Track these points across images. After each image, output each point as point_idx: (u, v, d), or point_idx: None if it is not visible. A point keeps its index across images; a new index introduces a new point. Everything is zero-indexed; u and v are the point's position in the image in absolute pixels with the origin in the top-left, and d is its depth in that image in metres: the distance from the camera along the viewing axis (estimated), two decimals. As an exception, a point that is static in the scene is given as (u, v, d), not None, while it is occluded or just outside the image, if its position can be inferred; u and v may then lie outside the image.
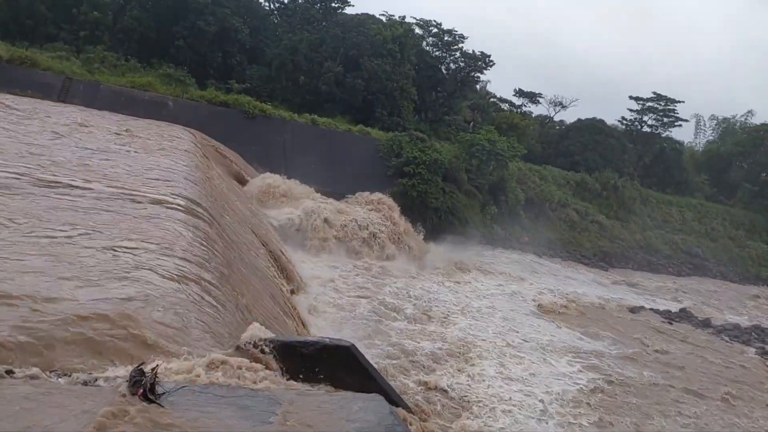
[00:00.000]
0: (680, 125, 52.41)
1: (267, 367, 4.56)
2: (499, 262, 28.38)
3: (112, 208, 8.62)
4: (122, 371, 3.70)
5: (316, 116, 31.50)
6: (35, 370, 3.43)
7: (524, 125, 42.13)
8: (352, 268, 20.52)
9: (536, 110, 53.77)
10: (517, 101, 51.74)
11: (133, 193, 9.99)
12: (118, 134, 17.83)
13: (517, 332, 17.34)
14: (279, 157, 27.87)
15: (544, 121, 53.94)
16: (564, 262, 32.94)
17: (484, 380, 13.01)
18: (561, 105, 53.51)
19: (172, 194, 10.70)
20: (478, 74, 44.41)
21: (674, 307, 25.49)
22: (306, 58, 36.28)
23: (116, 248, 6.59)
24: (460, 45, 42.41)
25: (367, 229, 24.07)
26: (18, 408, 2.99)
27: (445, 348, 14.35)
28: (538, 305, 21.26)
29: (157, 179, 11.96)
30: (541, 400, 12.47)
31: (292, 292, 13.83)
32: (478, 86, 48.06)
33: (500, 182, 33.55)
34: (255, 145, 27.45)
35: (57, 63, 28.10)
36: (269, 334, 5.08)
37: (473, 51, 42.37)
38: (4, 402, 3.02)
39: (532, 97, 51.94)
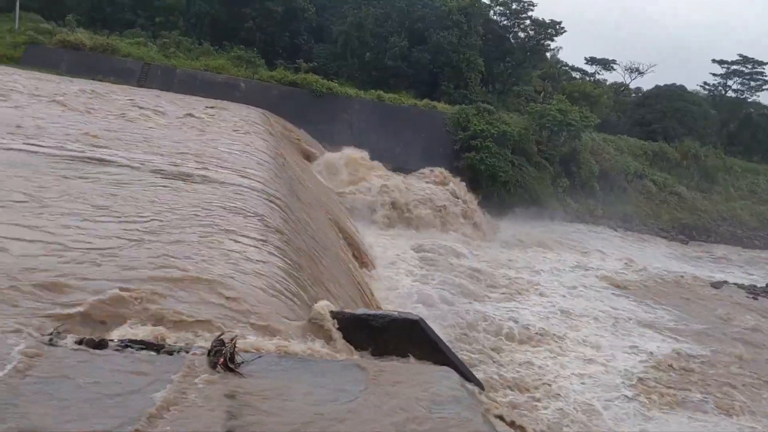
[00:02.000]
0: (769, 89, 48.84)
1: (336, 339, 4.71)
2: (571, 236, 27.68)
3: (196, 190, 9.02)
4: (198, 342, 3.92)
5: (381, 92, 31.53)
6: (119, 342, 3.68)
7: (597, 94, 40.43)
8: (419, 244, 20.58)
9: (610, 78, 51.62)
10: (590, 69, 49.78)
11: (213, 174, 10.40)
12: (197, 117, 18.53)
13: (591, 307, 16.95)
14: (346, 133, 28.14)
15: (619, 88, 51.55)
16: (641, 235, 31.74)
17: (558, 356, 12.85)
18: (637, 71, 50.93)
19: (245, 175, 11.06)
20: (548, 42, 42.85)
21: (761, 282, 24.09)
22: (371, 34, 36.19)
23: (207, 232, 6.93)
24: (529, 13, 41.02)
25: (435, 204, 24.01)
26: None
27: (516, 326, 14.22)
28: (611, 280, 20.65)
29: (233, 160, 12.39)
30: (621, 377, 12.19)
31: (362, 267, 14.06)
32: (548, 55, 46.43)
33: (572, 154, 32.51)
34: (322, 123, 27.84)
35: (135, 49, 29.42)
36: (338, 307, 5.22)
37: (542, 18, 40.86)
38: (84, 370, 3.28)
39: (606, 64, 49.69)
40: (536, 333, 14.05)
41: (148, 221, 6.74)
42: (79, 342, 3.53)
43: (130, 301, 4.37)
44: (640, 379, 12.23)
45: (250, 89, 28.63)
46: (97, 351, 3.50)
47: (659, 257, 27.09)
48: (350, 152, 24.95)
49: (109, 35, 30.84)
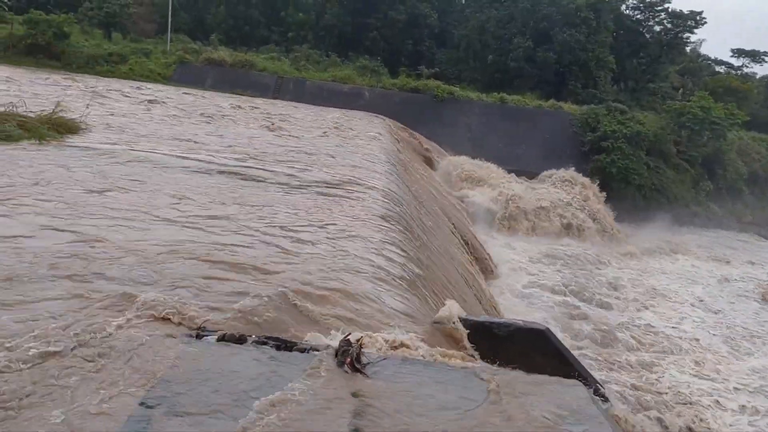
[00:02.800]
0: None
1: (460, 346, 4.70)
2: (717, 244, 25.41)
3: (325, 195, 9.45)
4: (327, 341, 4.09)
5: (504, 94, 31.02)
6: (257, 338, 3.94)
7: (745, 89, 36.80)
8: (543, 251, 19.92)
9: (761, 71, 46.66)
10: (737, 62, 45.46)
11: (342, 181, 10.84)
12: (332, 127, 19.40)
13: (739, 325, 15.43)
14: (467, 138, 27.98)
15: (772, 81, 46.53)
16: (799, 245, 28.35)
17: (695, 378, 11.85)
18: (793, 62, 45.64)
19: (370, 180, 11.39)
20: (688, 35, 39.76)
21: None
22: (494, 36, 35.75)
23: (327, 231, 7.25)
24: (666, 5, 38.33)
25: (561, 209, 23.14)
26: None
27: (650, 341, 13.30)
28: (764, 294, 18.67)
29: (359, 166, 12.82)
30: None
31: (484, 275, 13.89)
32: (687, 48, 43.02)
33: (716, 154, 29.83)
34: (444, 128, 27.92)
35: (270, 63, 31.43)
36: (463, 313, 5.21)
37: (680, 10, 37.98)
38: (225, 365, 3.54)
39: (755, 56, 45.08)
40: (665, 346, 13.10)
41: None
42: (221, 338, 3.83)
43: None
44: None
45: (373, 97, 29.44)
46: (238, 345, 3.78)
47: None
48: (470, 157, 24.79)
49: (247, 51, 33.23)
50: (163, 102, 19.94)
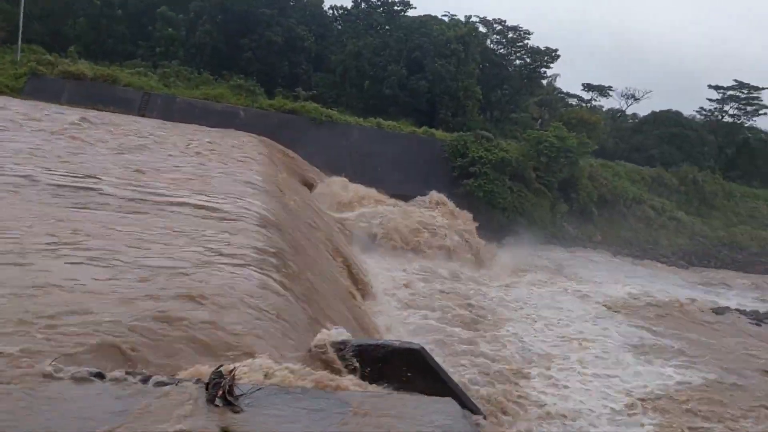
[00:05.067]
0: (766, 113, 49.18)
1: (337, 370, 4.64)
2: (569, 262, 27.60)
3: (194, 217, 9.00)
4: (193, 372, 3.86)
5: (381, 120, 31.79)
6: (118, 374, 3.63)
7: (594, 120, 40.70)
8: (418, 271, 20.48)
9: (607, 103, 51.94)
10: (586, 95, 50.27)
11: (212, 204, 10.40)
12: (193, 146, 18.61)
13: (593, 337, 16.80)
14: (345, 161, 28.23)
15: (616, 114, 52.02)
16: (640, 261, 31.63)
17: (558, 385, 12.70)
18: (633, 98, 51.38)
19: (244, 202, 11.06)
20: (545, 69, 43.48)
21: (763, 308, 23.92)
22: (370, 63, 36.65)
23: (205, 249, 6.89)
24: (526, 41, 41.70)
25: (433, 230, 23.98)
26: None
27: (510, 355, 14.07)
28: (611, 306, 20.54)
29: (233, 187, 12.42)
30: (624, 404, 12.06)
31: (362, 296, 13.96)
32: (545, 81, 46.99)
33: (571, 180, 32.63)
34: (322, 151, 27.96)
35: (136, 79, 29.71)
36: (339, 338, 5.16)
37: (538, 46, 41.49)
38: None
39: (602, 90, 50.21)
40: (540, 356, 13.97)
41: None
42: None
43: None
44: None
45: (249, 117, 28.82)
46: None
47: (660, 283, 26.94)
48: (349, 179, 25.05)
49: (111, 66, 31.19)
50: None
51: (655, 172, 39.63)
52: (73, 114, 20.15)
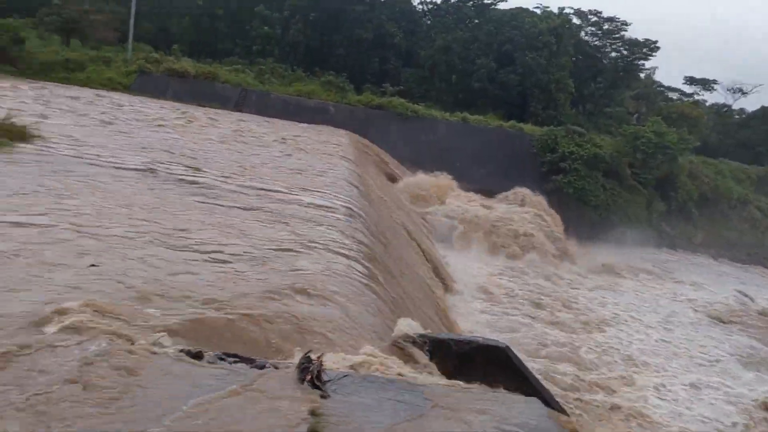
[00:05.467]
0: None
1: (419, 363, 4.69)
2: (668, 264, 26.20)
3: (286, 212, 9.37)
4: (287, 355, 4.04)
5: (467, 114, 31.53)
6: (215, 354, 3.86)
7: (696, 115, 38.30)
8: (502, 269, 20.17)
9: (711, 98, 48.80)
10: (689, 89, 47.38)
11: (297, 196, 10.78)
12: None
13: (699, 345, 15.84)
14: (430, 155, 28.25)
15: (721, 109, 48.63)
16: (745, 266, 29.49)
17: (663, 397, 12.08)
18: (741, 92, 47.90)
19: (332, 194, 11.37)
20: (643, 62, 41.33)
21: None
22: (459, 57, 36.38)
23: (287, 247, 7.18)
24: (622, 32, 39.80)
25: (518, 227, 23.49)
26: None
27: (604, 362, 13.53)
28: (717, 313, 19.28)
29: (321, 179, 12.79)
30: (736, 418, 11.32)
31: (444, 290, 13.97)
32: (642, 75, 44.70)
33: (669, 177, 30.90)
34: (407, 145, 28.15)
35: (234, 76, 31.14)
36: (421, 331, 5.21)
37: (636, 38, 39.48)
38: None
39: (706, 84, 47.12)
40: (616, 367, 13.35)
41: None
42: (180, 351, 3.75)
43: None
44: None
45: (338, 113, 29.50)
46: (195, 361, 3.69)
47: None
48: (433, 174, 25.04)
49: (211, 63, 32.89)
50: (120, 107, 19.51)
51: (762, 170, 36.81)
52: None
